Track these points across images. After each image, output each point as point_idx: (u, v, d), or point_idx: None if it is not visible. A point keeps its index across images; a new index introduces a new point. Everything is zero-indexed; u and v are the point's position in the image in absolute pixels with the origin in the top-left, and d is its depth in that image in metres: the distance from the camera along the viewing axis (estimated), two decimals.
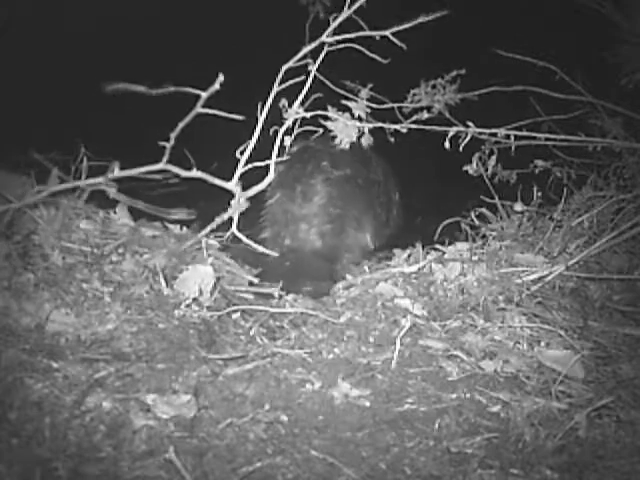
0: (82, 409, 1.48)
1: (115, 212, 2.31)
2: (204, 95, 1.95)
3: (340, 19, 2.08)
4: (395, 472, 1.44)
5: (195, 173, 1.98)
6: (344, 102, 2.17)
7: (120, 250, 2.09)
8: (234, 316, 1.98)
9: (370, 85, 2.20)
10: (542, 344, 1.94)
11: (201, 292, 1.97)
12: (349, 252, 2.62)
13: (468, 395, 1.71)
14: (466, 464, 1.47)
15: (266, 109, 2.07)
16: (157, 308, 1.89)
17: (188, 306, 1.92)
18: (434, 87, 2.26)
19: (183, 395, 1.57)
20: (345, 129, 2.15)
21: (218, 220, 2.09)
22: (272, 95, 2.08)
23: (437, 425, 1.59)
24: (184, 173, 1.99)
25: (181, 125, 1.98)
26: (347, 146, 2.19)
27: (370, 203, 2.73)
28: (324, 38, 2.10)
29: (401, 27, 2.07)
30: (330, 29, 2.09)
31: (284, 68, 2.09)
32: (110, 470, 1.34)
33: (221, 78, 1.90)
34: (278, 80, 2.08)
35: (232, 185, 2.03)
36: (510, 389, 1.75)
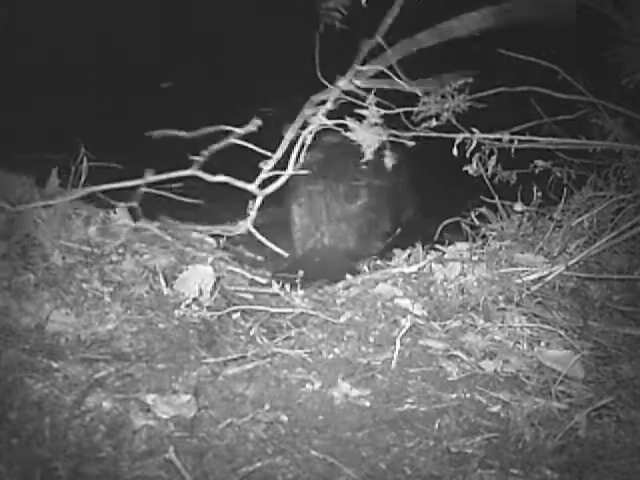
0: (82, 409, 1.48)
1: (115, 212, 2.31)
2: (239, 132, 2.02)
3: (354, 68, 2.15)
4: (395, 472, 1.44)
5: (221, 178, 2.05)
6: (359, 111, 2.22)
7: (120, 250, 2.09)
8: (234, 316, 1.98)
9: (374, 91, 2.23)
10: (542, 344, 1.93)
11: (201, 292, 1.97)
12: (371, 255, 2.70)
13: (468, 395, 1.71)
14: (466, 464, 1.47)
15: (291, 133, 2.14)
16: (157, 308, 1.89)
17: (188, 306, 1.92)
18: (443, 97, 2.28)
19: (183, 395, 1.57)
20: (367, 138, 2.21)
21: (242, 223, 2.13)
22: (297, 123, 2.13)
23: (437, 425, 1.59)
24: (211, 178, 2.06)
25: (214, 149, 2.04)
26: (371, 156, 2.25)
27: (392, 213, 2.91)
28: (344, 85, 2.15)
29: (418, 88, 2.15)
30: (347, 76, 2.15)
31: (310, 100, 2.14)
32: (110, 470, 1.34)
33: (257, 122, 1.99)
34: (305, 108, 2.16)
35: (254, 187, 2.09)
36: (510, 389, 1.74)
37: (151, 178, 2.07)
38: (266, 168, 2.11)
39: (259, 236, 2.13)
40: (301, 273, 2.21)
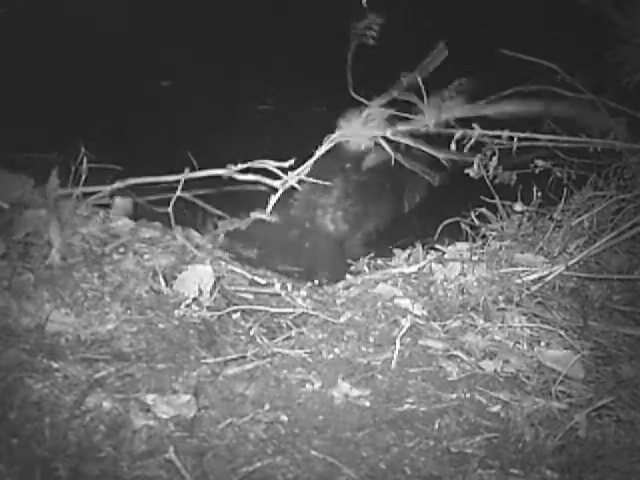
0: (82, 409, 1.48)
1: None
2: (275, 164, 2.24)
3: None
4: (395, 472, 1.44)
5: (251, 177, 2.22)
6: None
7: (120, 250, 2.09)
8: (234, 316, 1.98)
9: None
10: (542, 344, 1.94)
11: (201, 292, 1.97)
12: (354, 237, 3.01)
13: (468, 395, 1.71)
14: (466, 464, 1.47)
15: (326, 146, 2.32)
16: (157, 308, 1.89)
17: (188, 306, 1.92)
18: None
19: (183, 395, 1.57)
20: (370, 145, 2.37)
21: (261, 213, 2.28)
22: (332, 140, 2.23)
23: (437, 425, 1.59)
24: (243, 177, 2.23)
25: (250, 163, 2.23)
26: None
27: (376, 204, 3.20)
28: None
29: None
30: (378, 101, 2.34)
31: (344, 126, 2.35)
32: (110, 470, 1.34)
33: (291, 161, 2.25)
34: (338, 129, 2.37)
35: (279, 184, 2.27)
36: (510, 389, 1.75)
37: (188, 175, 2.18)
38: (294, 174, 2.26)
39: (274, 219, 2.26)
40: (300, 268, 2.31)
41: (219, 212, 2.42)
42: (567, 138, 2.41)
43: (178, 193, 2.18)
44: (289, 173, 2.22)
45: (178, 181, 2.18)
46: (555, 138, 2.40)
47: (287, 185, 2.24)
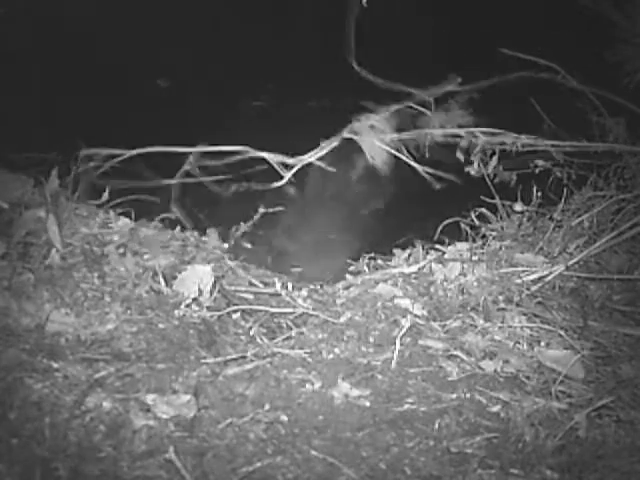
0: (82, 409, 1.48)
1: (115, 212, 2.31)
2: (276, 158, 2.33)
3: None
4: (395, 472, 1.44)
5: (264, 154, 2.30)
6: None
7: (120, 250, 2.09)
8: (234, 316, 1.98)
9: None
10: (542, 344, 1.94)
11: (201, 292, 1.97)
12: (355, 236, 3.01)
13: (468, 395, 1.71)
14: (466, 464, 1.47)
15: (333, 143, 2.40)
16: (157, 308, 1.89)
17: (188, 306, 1.92)
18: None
19: (183, 395, 1.57)
20: (374, 148, 2.39)
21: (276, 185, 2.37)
22: (339, 137, 2.33)
23: (437, 425, 1.59)
24: (256, 153, 2.30)
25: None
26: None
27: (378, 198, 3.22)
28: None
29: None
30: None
31: (354, 123, 2.42)
32: (110, 470, 1.34)
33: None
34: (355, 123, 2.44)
35: (293, 160, 2.35)
36: (510, 389, 1.75)
37: (203, 149, 2.24)
38: (303, 157, 2.34)
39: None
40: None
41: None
42: (568, 143, 2.41)
43: (185, 167, 2.21)
44: (297, 157, 2.27)
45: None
46: (556, 143, 2.40)
47: (301, 164, 2.28)
